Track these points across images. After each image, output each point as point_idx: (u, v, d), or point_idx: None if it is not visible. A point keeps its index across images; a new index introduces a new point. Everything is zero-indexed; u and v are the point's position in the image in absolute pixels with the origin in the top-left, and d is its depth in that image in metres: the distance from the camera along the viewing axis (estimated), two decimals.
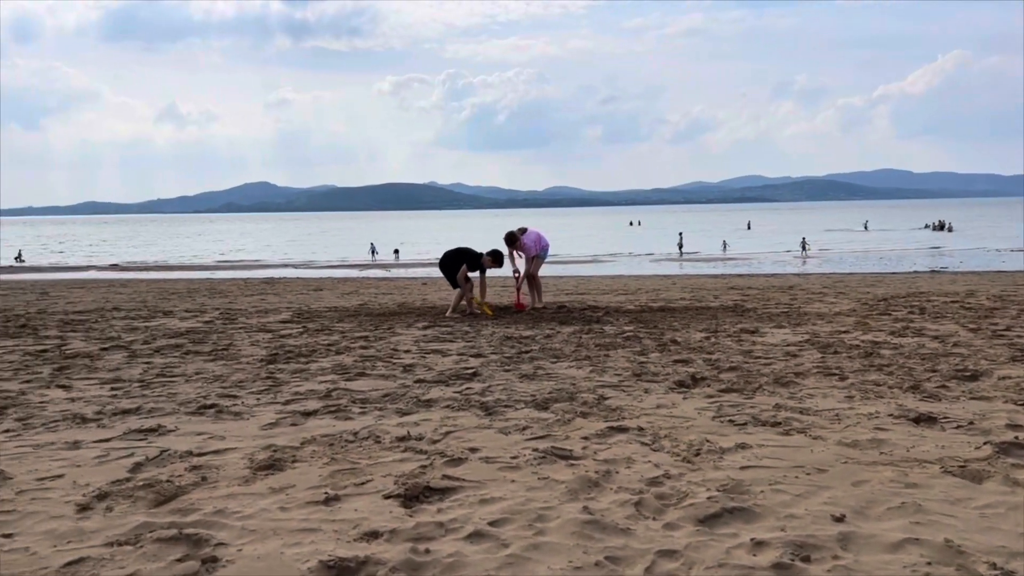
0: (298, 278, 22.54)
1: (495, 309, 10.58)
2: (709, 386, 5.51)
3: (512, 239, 10.91)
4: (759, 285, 15.39)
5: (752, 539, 2.81)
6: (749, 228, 63.97)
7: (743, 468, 3.63)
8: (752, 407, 4.84)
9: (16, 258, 40.76)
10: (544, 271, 11.29)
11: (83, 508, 3.21)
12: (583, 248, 40.97)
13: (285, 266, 32.42)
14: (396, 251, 40.07)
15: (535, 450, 3.94)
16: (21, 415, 4.96)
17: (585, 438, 4.19)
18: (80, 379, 6.22)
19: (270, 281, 20.42)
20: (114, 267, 33.67)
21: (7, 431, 4.55)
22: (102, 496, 3.33)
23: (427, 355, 7.12)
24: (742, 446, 3.96)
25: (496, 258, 10.55)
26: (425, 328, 9.03)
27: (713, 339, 7.74)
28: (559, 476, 3.55)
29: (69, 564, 2.65)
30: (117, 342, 8.25)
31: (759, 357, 6.64)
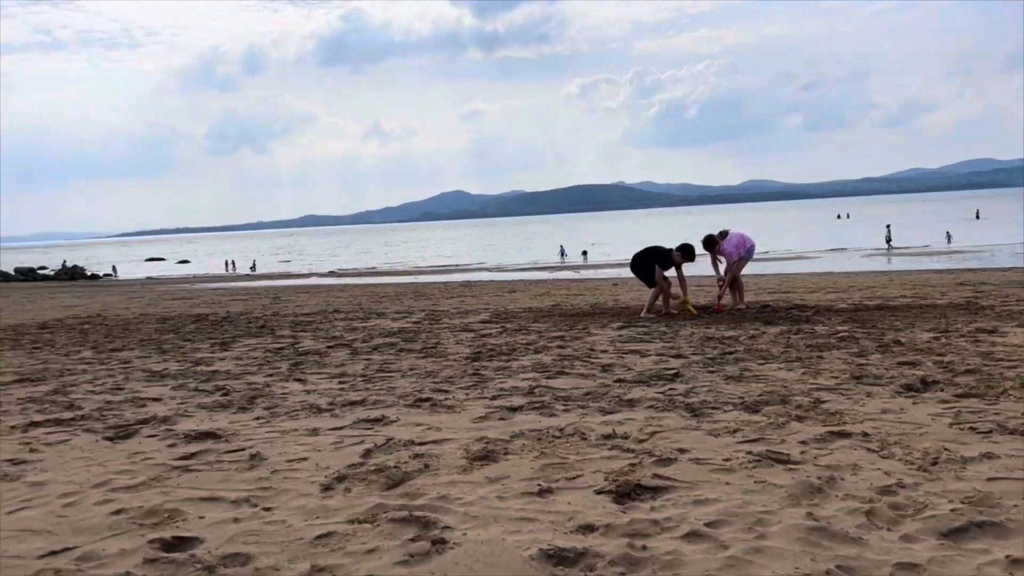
0: (492, 281, 23.39)
1: (695, 307, 10.33)
2: (943, 390, 5.02)
3: (711, 243, 10.57)
4: (994, 280, 13.77)
5: (1007, 556, 2.53)
6: (978, 217, 57.37)
7: (990, 480, 3.28)
8: (996, 413, 4.35)
9: (251, 268, 45.87)
10: (744, 270, 10.85)
11: (326, 488, 3.55)
12: (785, 244, 38.79)
13: (480, 269, 33.78)
14: (584, 253, 40.35)
15: (749, 453, 3.81)
16: (268, 404, 5.57)
17: (803, 442, 3.98)
18: (312, 373, 6.87)
19: (468, 284, 21.37)
20: (331, 274, 36.84)
21: (258, 418, 5.14)
22: (341, 478, 3.67)
23: (625, 355, 7.10)
24: (988, 456, 3.58)
25: (686, 253, 10.25)
26: (620, 328, 9.01)
27: (943, 339, 7.04)
28: (777, 480, 3.40)
29: (320, 537, 2.95)
30: (340, 341, 9.02)
31: (1001, 359, 5.95)
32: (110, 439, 4.72)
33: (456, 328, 9.83)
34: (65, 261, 53.27)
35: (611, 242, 53.60)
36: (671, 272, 10.33)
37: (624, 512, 3.11)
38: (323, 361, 7.57)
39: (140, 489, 3.65)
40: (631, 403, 5.09)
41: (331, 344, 8.77)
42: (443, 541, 2.83)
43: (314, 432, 4.66)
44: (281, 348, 8.64)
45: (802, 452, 3.81)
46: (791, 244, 38.90)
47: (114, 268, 50.03)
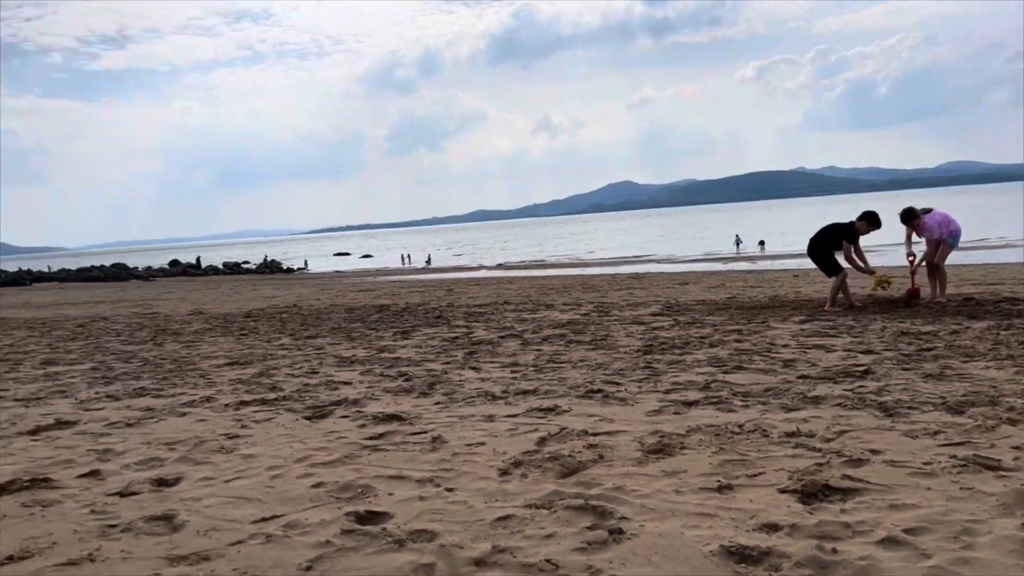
0: (663, 273, 22.97)
1: (883, 302, 9.58)
2: None
3: (911, 215, 9.76)
4: None
5: None
6: None
7: None
8: None
9: (426, 261, 48.09)
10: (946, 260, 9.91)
11: (503, 472, 3.66)
12: (991, 230, 34.91)
13: (649, 261, 33.29)
14: (762, 243, 38.59)
15: (953, 457, 3.48)
16: (446, 391, 5.83)
17: (1017, 447, 3.59)
18: (486, 362, 7.10)
19: (636, 276, 21.13)
20: (500, 267, 37.84)
21: (438, 403, 5.39)
22: (517, 464, 3.76)
23: (808, 350, 6.73)
24: None
25: (872, 220, 9.51)
26: (803, 322, 8.54)
27: None
28: (987, 488, 3.09)
29: (499, 519, 3.05)
30: (511, 331, 9.24)
31: None
32: (308, 418, 5.14)
33: (626, 320, 9.76)
34: (266, 256, 58.52)
35: (791, 231, 50.87)
36: (845, 264, 9.65)
37: (811, 513, 2.96)
38: (495, 351, 7.79)
39: (336, 465, 3.95)
40: (816, 400, 4.82)
41: (502, 334, 9.00)
42: (620, 531, 2.83)
43: (490, 418, 4.81)
44: (456, 337, 8.99)
45: (1016, 459, 3.43)
46: (998, 231, 34.94)
47: (305, 262, 54.33)
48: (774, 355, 6.56)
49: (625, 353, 7.16)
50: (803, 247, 10.79)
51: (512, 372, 6.49)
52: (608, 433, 4.28)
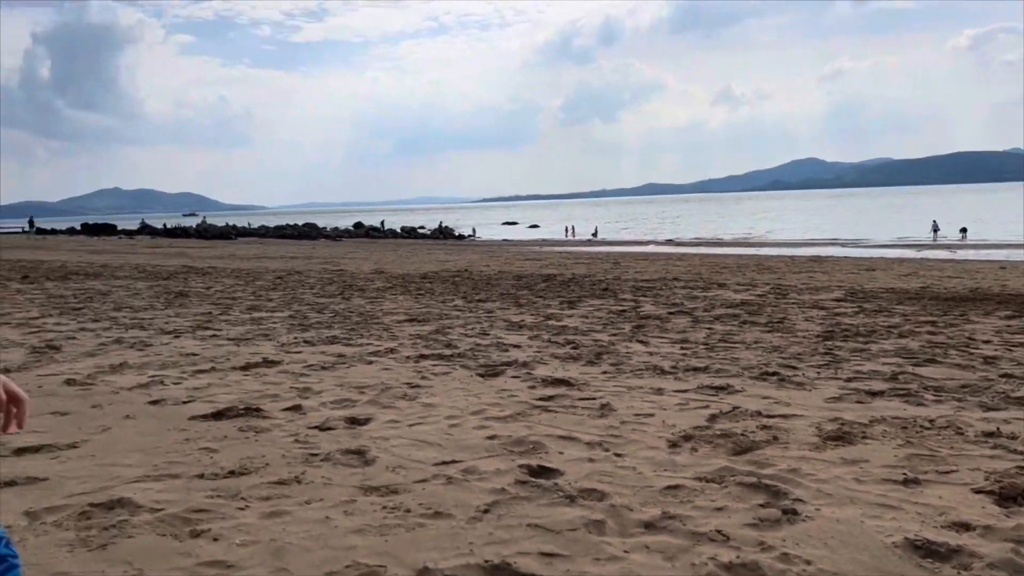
0: (847, 257, 21.58)
1: None
2: None
3: None
4: None
5: None
6: None
7: None
8: None
9: (593, 234, 48.12)
10: None
11: (673, 444, 3.68)
12: None
13: (833, 244, 31.31)
14: (963, 230, 35.10)
15: None
16: (613, 361, 5.89)
17: None
18: (654, 337, 7.07)
19: (817, 259, 20.00)
20: (669, 242, 37.10)
21: (605, 372, 5.47)
22: (687, 437, 3.77)
23: (1014, 348, 6.13)
24: None
25: None
26: (1009, 318, 7.77)
27: None
28: None
29: (669, 488, 3.08)
30: (681, 308, 9.11)
31: None
32: (481, 375, 5.40)
33: (805, 304, 9.32)
34: (440, 222, 61.04)
35: (999, 219, 45.91)
36: None
37: (1008, 516, 2.75)
38: (664, 326, 7.73)
39: (508, 421, 4.14)
40: (1021, 401, 4.41)
41: (671, 310, 8.90)
42: (795, 512, 2.78)
43: (659, 391, 4.82)
44: (623, 311, 8.99)
45: None
46: None
47: (473, 230, 56.05)
48: (973, 350, 6.04)
49: (803, 337, 6.86)
50: (1015, 237, 9.73)
51: (682, 349, 6.43)
52: (783, 416, 4.16)
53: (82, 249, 30.08)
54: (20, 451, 3.55)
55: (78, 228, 59.62)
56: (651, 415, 4.23)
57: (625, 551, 2.51)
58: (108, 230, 56.23)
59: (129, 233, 53.08)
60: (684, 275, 14.29)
